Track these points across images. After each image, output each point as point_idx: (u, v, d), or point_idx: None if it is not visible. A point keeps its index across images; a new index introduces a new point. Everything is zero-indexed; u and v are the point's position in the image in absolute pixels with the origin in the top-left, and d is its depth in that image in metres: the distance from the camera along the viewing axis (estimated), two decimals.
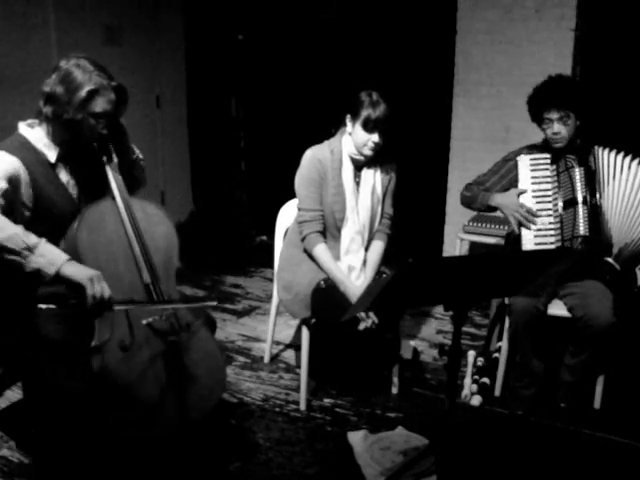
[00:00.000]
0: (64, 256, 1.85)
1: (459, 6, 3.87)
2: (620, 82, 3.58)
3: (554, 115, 2.57)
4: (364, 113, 2.54)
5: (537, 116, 2.65)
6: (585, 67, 3.71)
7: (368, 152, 2.59)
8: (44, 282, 1.84)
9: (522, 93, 3.76)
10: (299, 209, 2.71)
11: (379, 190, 2.73)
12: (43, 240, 1.84)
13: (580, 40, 3.66)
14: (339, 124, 2.70)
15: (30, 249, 1.80)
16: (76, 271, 1.83)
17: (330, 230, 2.68)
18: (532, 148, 2.76)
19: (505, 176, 2.75)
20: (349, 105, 2.61)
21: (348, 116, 2.62)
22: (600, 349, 2.60)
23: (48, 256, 1.82)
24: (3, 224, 1.80)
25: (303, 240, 2.67)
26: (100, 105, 1.95)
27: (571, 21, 3.61)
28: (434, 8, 4.14)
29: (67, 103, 1.92)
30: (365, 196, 2.68)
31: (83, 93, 1.91)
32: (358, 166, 2.69)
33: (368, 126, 2.54)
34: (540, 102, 2.62)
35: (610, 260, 2.57)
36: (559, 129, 2.58)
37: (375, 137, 2.56)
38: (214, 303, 2.17)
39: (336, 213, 2.64)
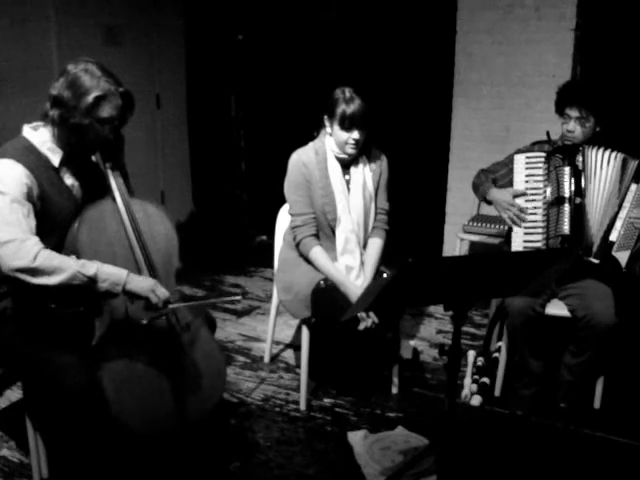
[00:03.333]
0: (123, 273, 1.90)
1: (459, 6, 3.87)
2: (620, 82, 3.58)
3: (574, 113, 2.60)
4: (339, 111, 2.51)
5: (560, 108, 2.68)
6: (585, 67, 3.71)
7: (351, 150, 2.57)
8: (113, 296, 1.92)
9: (522, 93, 3.81)
10: (291, 215, 2.69)
11: (370, 186, 2.70)
12: (97, 264, 1.88)
13: (580, 40, 3.65)
14: (319, 126, 2.68)
15: (92, 280, 1.85)
16: (138, 286, 1.92)
17: (324, 231, 2.67)
18: (542, 144, 2.77)
19: (513, 170, 2.75)
20: (325, 105, 2.60)
21: (325, 116, 2.61)
22: (601, 349, 2.59)
23: (111, 279, 1.88)
24: (61, 264, 1.83)
25: (298, 245, 2.66)
26: (107, 111, 1.95)
27: (571, 21, 3.61)
28: (434, 8, 4.14)
29: (74, 108, 1.92)
30: (356, 194, 2.66)
31: (90, 99, 1.91)
32: (345, 164, 2.67)
33: (345, 124, 2.51)
34: (566, 96, 2.65)
35: (590, 259, 2.58)
36: (574, 128, 2.61)
37: (355, 134, 2.53)
38: (239, 297, 2.29)
39: (328, 214, 2.63)
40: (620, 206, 2.58)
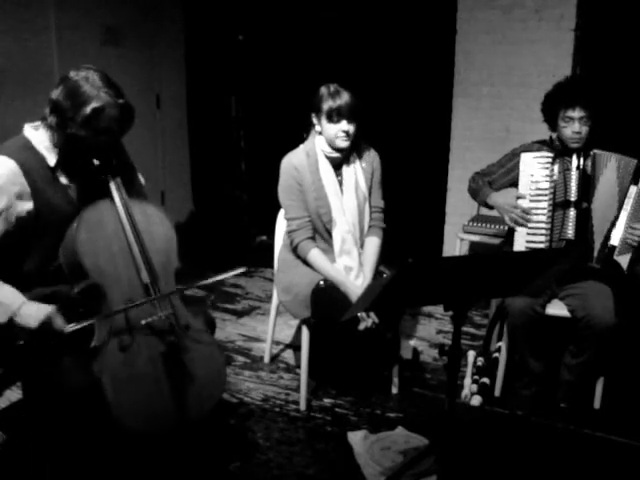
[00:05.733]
0: (18, 300, 1.85)
1: (459, 6, 3.87)
2: (620, 82, 3.58)
3: (577, 114, 2.54)
4: (325, 106, 2.52)
5: (554, 112, 2.61)
6: (585, 67, 3.71)
7: (342, 143, 2.56)
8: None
9: (522, 93, 3.82)
10: (286, 219, 2.69)
11: (363, 185, 2.69)
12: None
13: (580, 40, 3.66)
14: (308, 127, 2.68)
15: None
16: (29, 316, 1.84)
17: (321, 233, 2.67)
18: (542, 144, 2.75)
19: (511, 170, 2.74)
20: (311, 103, 2.60)
21: (313, 114, 2.61)
22: (601, 349, 2.59)
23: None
24: None
25: (295, 249, 2.65)
26: (104, 122, 1.93)
27: (571, 21, 3.62)
28: (434, 8, 4.14)
29: (71, 119, 1.90)
30: (349, 194, 2.65)
31: (88, 110, 1.89)
32: (337, 164, 2.66)
33: (332, 117, 2.51)
34: (564, 98, 2.58)
35: (592, 264, 2.58)
36: (580, 128, 2.55)
37: (343, 125, 2.53)
38: (242, 270, 2.20)
39: (323, 216, 2.62)
40: (620, 209, 2.57)
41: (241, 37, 4.95)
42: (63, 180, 2.05)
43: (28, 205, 1.93)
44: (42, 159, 1.98)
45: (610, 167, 2.58)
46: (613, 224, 2.57)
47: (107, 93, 1.92)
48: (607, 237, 2.57)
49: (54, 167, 2.01)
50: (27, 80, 3.68)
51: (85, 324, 1.91)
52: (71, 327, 1.88)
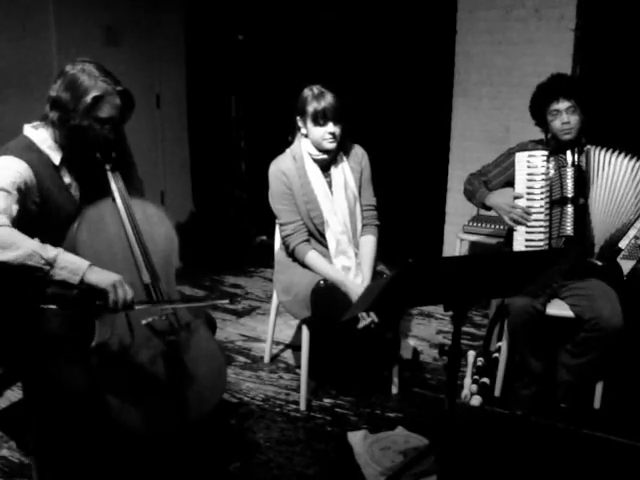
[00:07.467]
0: (85, 263, 1.83)
1: (459, 6, 3.87)
2: (620, 82, 3.58)
3: (562, 105, 2.56)
4: (310, 108, 2.51)
5: (542, 111, 2.63)
6: (585, 67, 3.71)
7: (329, 145, 2.55)
8: (70, 287, 1.83)
9: (522, 93, 3.78)
10: (280, 225, 2.69)
11: (352, 185, 2.68)
12: (61, 251, 1.82)
13: (580, 40, 3.65)
14: (293, 130, 2.67)
15: (50, 264, 1.78)
16: (99, 278, 1.83)
17: (314, 236, 2.66)
18: (538, 142, 2.75)
19: (507, 169, 2.74)
20: (295, 106, 2.59)
21: (298, 117, 2.60)
22: (605, 351, 2.58)
23: (70, 267, 1.80)
24: (19, 241, 1.76)
25: (292, 253, 2.65)
26: (106, 111, 1.95)
27: (571, 21, 3.61)
28: (434, 8, 4.14)
29: (73, 110, 1.92)
30: (339, 195, 2.64)
31: (89, 99, 1.91)
32: (325, 166, 2.66)
33: (318, 119, 2.50)
34: (547, 94, 2.60)
35: (592, 260, 2.57)
36: (568, 118, 2.56)
37: (330, 127, 2.52)
38: (225, 301, 2.19)
39: (314, 219, 2.62)
40: (638, 214, 2.55)
41: (241, 37, 4.95)
42: (67, 179, 2.05)
43: (35, 200, 1.93)
44: (47, 158, 1.98)
45: (620, 167, 2.56)
46: (628, 228, 2.55)
47: (105, 81, 1.94)
48: (615, 237, 2.56)
49: (58, 165, 2.01)
50: (27, 80, 3.68)
51: (149, 306, 1.98)
52: (138, 307, 1.91)
